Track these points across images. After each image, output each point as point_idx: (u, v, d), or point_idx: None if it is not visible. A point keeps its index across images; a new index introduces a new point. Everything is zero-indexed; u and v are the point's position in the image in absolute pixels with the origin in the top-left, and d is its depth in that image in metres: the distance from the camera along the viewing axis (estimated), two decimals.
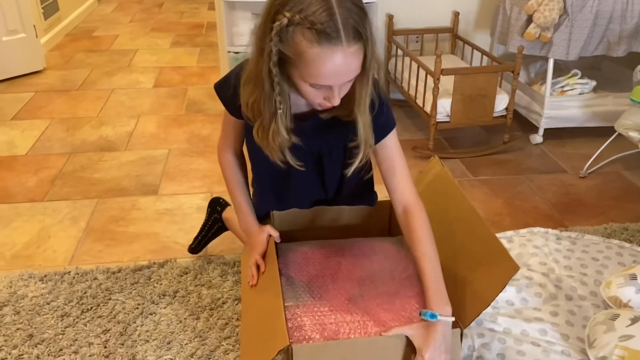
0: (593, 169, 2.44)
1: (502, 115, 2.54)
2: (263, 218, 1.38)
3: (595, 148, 2.41)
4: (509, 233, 1.93)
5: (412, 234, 1.16)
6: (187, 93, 3.24)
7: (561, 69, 2.75)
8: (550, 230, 1.94)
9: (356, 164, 1.14)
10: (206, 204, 2.07)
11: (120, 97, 3.17)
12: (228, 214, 1.73)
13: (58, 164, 2.45)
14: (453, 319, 1.06)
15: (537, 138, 2.68)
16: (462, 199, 1.28)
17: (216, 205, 1.78)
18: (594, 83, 2.67)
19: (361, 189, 1.37)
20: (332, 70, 0.95)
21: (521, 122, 2.80)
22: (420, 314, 1.08)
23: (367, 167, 1.26)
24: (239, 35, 2.47)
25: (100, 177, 2.35)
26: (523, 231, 1.94)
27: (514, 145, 2.64)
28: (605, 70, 3.04)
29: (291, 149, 1.14)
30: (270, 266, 1.23)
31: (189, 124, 2.85)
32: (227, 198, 1.60)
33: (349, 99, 1.07)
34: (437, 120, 2.45)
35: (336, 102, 1.02)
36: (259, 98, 1.05)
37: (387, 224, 1.48)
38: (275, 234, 1.31)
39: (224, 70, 2.80)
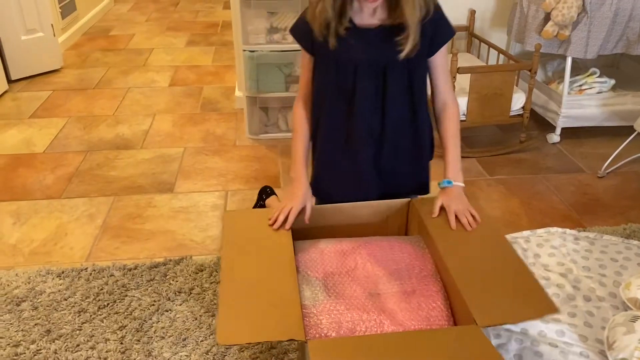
0: (611, 168, 2.40)
1: (518, 114, 2.51)
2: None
3: (613, 147, 2.38)
4: (526, 233, 1.90)
5: (444, 123, 1.34)
6: (202, 92, 3.25)
7: (579, 67, 2.72)
8: (568, 230, 1.91)
9: (407, 48, 1.19)
10: (221, 201, 2.09)
11: (136, 96, 3.19)
12: (270, 201, 1.80)
13: (75, 161, 2.47)
14: (464, 185, 1.30)
15: (555, 137, 2.65)
16: (497, 233, 1.27)
17: (262, 194, 1.93)
18: (612, 81, 2.63)
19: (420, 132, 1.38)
20: None
21: (538, 121, 2.77)
22: (438, 184, 1.31)
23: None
24: (254, 33, 2.48)
25: (117, 175, 2.37)
26: (540, 231, 1.91)
27: (531, 145, 2.61)
28: (624, 69, 3.00)
29: (359, 62, 1.25)
30: (287, 246, 1.23)
31: (204, 122, 2.86)
32: (252, 195, 1.60)
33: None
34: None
35: None
36: None
37: (404, 223, 1.47)
38: (308, 213, 1.32)
39: (240, 68, 2.81)
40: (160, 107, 3.04)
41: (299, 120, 1.39)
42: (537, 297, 1.09)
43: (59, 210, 2.12)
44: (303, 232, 1.35)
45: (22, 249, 1.90)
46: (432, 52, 1.28)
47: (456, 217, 1.27)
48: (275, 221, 1.28)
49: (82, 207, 2.14)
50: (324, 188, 1.44)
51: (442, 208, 1.30)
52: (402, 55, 1.21)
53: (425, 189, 1.45)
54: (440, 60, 1.31)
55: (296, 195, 1.31)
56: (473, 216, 1.27)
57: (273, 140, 2.66)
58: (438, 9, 1.26)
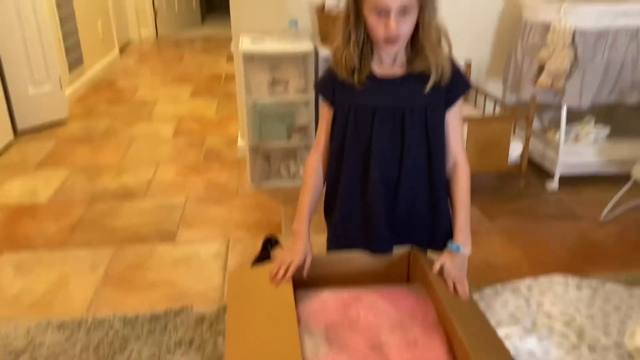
0: (611, 216, 2.42)
1: (517, 163, 2.55)
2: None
3: (611, 195, 2.40)
4: (528, 280, 1.90)
5: (454, 183, 1.35)
6: (205, 142, 3.31)
7: (575, 116, 2.77)
8: (570, 278, 1.91)
9: (430, 82, 1.24)
10: (222, 250, 2.10)
11: (141, 146, 3.24)
12: (276, 253, 1.80)
13: (78, 211, 2.50)
14: (469, 253, 1.30)
15: (553, 185, 2.68)
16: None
17: (267, 244, 1.93)
18: (608, 130, 2.68)
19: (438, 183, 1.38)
20: None
21: (536, 169, 2.80)
22: (447, 246, 1.32)
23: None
24: (257, 85, 2.54)
25: (120, 224, 2.39)
26: (542, 278, 1.91)
27: (530, 192, 2.64)
28: (618, 117, 3.05)
29: (377, 109, 1.29)
30: (287, 299, 1.23)
31: (207, 171, 2.90)
32: (253, 243, 1.60)
33: (419, 47, 1.24)
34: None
35: (393, 26, 1.18)
36: (341, 33, 1.27)
37: (405, 272, 1.47)
38: (307, 267, 1.32)
39: (243, 119, 2.87)
40: (163, 157, 3.09)
41: (311, 172, 1.40)
42: None
43: (60, 261, 2.12)
44: (305, 281, 1.35)
45: (22, 300, 1.89)
46: (449, 103, 1.30)
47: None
48: (275, 275, 1.28)
49: (84, 257, 2.15)
50: (341, 246, 1.43)
51: (441, 268, 1.28)
52: (429, 85, 1.25)
53: (440, 244, 1.39)
54: (453, 119, 1.33)
55: (296, 250, 1.32)
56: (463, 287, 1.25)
57: (275, 189, 2.69)
58: (454, 63, 1.31)
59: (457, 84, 1.29)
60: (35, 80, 3.42)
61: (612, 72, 2.49)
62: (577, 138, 2.66)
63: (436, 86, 1.25)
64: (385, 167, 1.32)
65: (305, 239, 1.34)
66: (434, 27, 1.24)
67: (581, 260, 2.12)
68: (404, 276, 1.48)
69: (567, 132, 2.64)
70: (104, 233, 2.32)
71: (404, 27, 1.21)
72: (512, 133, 2.52)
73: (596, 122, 2.70)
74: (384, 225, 1.36)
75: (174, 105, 3.99)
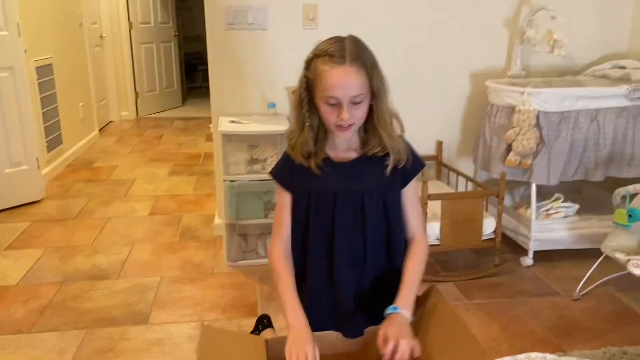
0: (585, 290, 2.44)
1: (491, 239, 2.59)
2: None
3: (585, 269, 2.43)
4: (507, 359, 1.88)
5: (408, 255, 1.37)
6: (182, 220, 3.30)
7: (544, 193, 2.86)
8: (548, 355, 1.89)
9: (390, 165, 1.30)
10: (196, 333, 2.05)
11: (116, 226, 3.22)
12: (266, 334, 1.79)
13: (49, 293, 2.43)
14: (411, 318, 1.27)
15: (528, 260, 2.71)
16: (464, 331, 1.27)
17: (259, 323, 1.90)
18: (577, 206, 2.76)
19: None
20: (337, 83, 1.21)
21: (511, 245, 2.84)
22: (384, 311, 1.28)
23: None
24: (235, 164, 2.59)
25: (91, 307, 2.32)
26: (520, 357, 1.89)
27: (506, 268, 2.66)
28: (586, 194, 3.15)
29: (338, 193, 1.32)
30: None
31: (182, 250, 2.88)
32: (228, 325, 1.57)
33: (372, 130, 1.30)
34: (428, 243, 2.49)
35: (345, 116, 1.23)
36: (295, 120, 1.32)
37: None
38: (318, 357, 1.26)
39: (220, 197, 2.89)
40: (139, 237, 3.06)
41: (282, 260, 1.37)
42: None
43: (27, 346, 2.04)
44: None
45: None
46: (405, 182, 1.36)
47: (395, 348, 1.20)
48: None
49: (52, 341, 2.07)
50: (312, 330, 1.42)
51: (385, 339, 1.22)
52: (389, 168, 1.30)
53: None
54: (410, 195, 1.39)
55: (305, 340, 1.25)
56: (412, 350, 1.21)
57: (252, 267, 2.67)
58: (407, 144, 1.37)
59: (412, 164, 1.35)
60: (12, 162, 3.42)
61: (577, 151, 2.60)
62: (548, 214, 2.72)
63: (394, 163, 1.31)
64: (350, 249, 1.35)
65: (308, 328, 1.29)
66: (386, 111, 1.30)
67: (559, 336, 2.12)
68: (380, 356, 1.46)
69: (537, 209, 2.71)
70: (74, 316, 2.25)
71: (357, 115, 1.26)
72: (484, 209, 2.58)
73: (565, 199, 2.78)
74: (352, 308, 1.37)
75: (151, 185, 4.00)
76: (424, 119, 3.06)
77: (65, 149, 4.51)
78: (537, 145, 2.55)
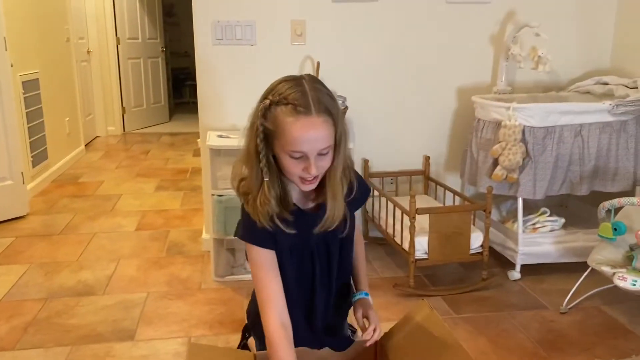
0: (572, 304, 2.45)
1: (478, 252, 2.60)
2: None
3: (572, 283, 2.45)
4: None
5: (356, 252, 1.42)
6: (168, 235, 3.27)
7: (530, 207, 2.88)
8: None
9: (322, 226, 1.22)
10: (183, 349, 2.03)
11: (102, 241, 3.19)
12: (251, 342, 1.68)
13: (33, 310, 2.39)
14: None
15: (515, 274, 2.72)
16: (455, 345, 1.27)
17: (245, 332, 1.67)
18: (563, 220, 2.79)
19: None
20: (304, 136, 1.09)
21: (498, 259, 2.86)
22: (353, 297, 1.39)
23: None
24: (223, 179, 2.58)
25: (76, 323, 2.29)
26: None
27: (493, 282, 2.67)
28: (572, 208, 3.19)
29: (315, 246, 1.28)
30: None
31: (169, 266, 2.85)
32: (216, 341, 1.55)
33: (325, 180, 1.19)
34: (416, 257, 2.50)
35: (313, 171, 1.12)
36: (249, 173, 1.16)
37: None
38: None
39: (208, 212, 2.88)
40: (125, 252, 3.03)
41: (282, 341, 1.17)
42: None
43: None
44: None
45: None
46: (355, 209, 1.33)
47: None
48: None
49: (36, 359, 2.03)
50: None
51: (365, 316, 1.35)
52: (316, 229, 1.21)
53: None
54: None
55: None
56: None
57: (239, 282, 2.65)
58: (355, 173, 1.31)
59: (360, 194, 1.31)
60: None
61: (562, 165, 2.63)
62: (534, 228, 2.75)
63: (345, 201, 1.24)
64: (322, 284, 1.33)
65: None
66: (339, 166, 1.18)
67: (547, 349, 2.12)
68: None
69: (524, 223, 2.73)
70: (58, 333, 2.22)
71: (323, 166, 1.15)
72: (472, 223, 2.59)
73: (551, 213, 2.80)
74: (332, 326, 1.41)
75: (137, 200, 3.97)
76: (411, 134, 3.09)
77: (51, 164, 4.47)
78: (523, 159, 2.57)
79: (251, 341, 1.74)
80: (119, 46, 6.34)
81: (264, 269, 1.20)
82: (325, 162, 1.15)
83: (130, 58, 6.53)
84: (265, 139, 1.12)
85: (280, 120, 1.09)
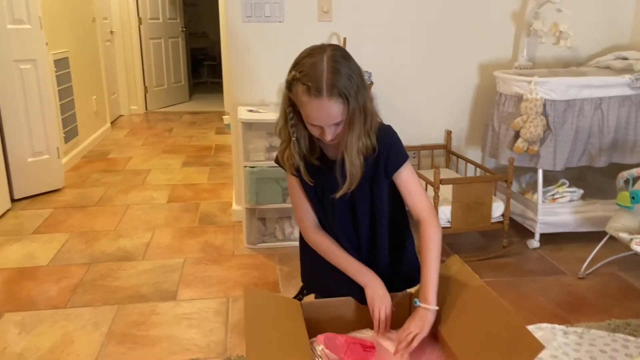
0: (590, 270, 2.56)
1: (499, 221, 2.71)
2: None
3: (590, 251, 2.55)
4: None
5: (422, 242, 1.43)
6: (199, 207, 3.42)
7: (550, 179, 2.98)
8: (557, 325, 2.02)
9: (345, 188, 1.38)
10: (223, 308, 2.17)
11: (136, 212, 3.34)
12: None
13: (78, 273, 2.55)
14: (435, 308, 1.36)
15: (534, 243, 2.83)
16: (485, 291, 1.38)
17: (302, 290, 1.75)
18: (581, 191, 2.88)
19: (396, 235, 1.53)
20: (316, 114, 1.28)
21: (518, 229, 2.96)
22: (415, 303, 1.39)
23: (397, 213, 1.51)
24: (254, 152, 2.70)
25: (120, 285, 2.44)
26: (530, 327, 2.01)
27: (513, 250, 2.78)
28: (590, 181, 3.27)
29: (329, 185, 1.41)
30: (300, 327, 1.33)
31: (203, 234, 2.99)
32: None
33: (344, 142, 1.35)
34: (438, 222, 2.61)
35: (327, 138, 1.32)
36: (283, 129, 1.39)
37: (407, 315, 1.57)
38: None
39: (239, 184, 3.01)
40: (159, 222, 3.18)
41: (321, 237, 1.49)
42: (523, 342, 1.18)
43: (64, 319, 2.16)
44: (312, 323, 1.44)
45: (28, 358, 1.92)
46: (389, 174, 1.42)
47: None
48: (379, 328, 1.40)
49: (86, 316, 2.19)
50: (319, 284, 1.58)
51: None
52: (339, 193, 1.38)
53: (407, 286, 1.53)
54: (403, 179, 1.43)
55: (384, 295, 1.42)
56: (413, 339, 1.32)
57: (270, 249, 2.79)
58: (388, 133, 1.41)
59: (393, 157, 1.40)
60: (35, 151, 3.53)
61: (581, 138, 2.72)
62: (553, 199, 2.84)
63: (372, 159, 1.37)
64: (346, 233, 1.49)
65: (382, 283, 1.44)
66: (355, 142, 1.32)
67: (566, 311, 2.24)
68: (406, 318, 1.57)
69: (543, 194, 2.83)
70: (104, 293, 2.37)
71: (339, 133, 1.33)
72: (493, 194, 2.69)
73: (570, 184, 2.89)
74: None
75: (166, 175, 4.12)
76: (434, 109, 3.18)
77: (81, 141, 4.63)
78: (544, 132, 2.66)
79: (308, 298, 1.84)
80: (140, 26, 6.46)
81: (293, 191, 1.49)
82: (340, 130, 1.33)
83: (152, 38, 6.64)
84: (291, 105, 1.33)
85: (299, 97, 1.28)
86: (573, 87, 2.65)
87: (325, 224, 1.50)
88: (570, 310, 2.25)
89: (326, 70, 1.25)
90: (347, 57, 1.30)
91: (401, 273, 1.54)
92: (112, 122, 5.84)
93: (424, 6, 3.02)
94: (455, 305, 1.38)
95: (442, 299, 1.42)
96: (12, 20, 3.29)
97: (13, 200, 3.44)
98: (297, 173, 1.42)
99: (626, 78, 2.67)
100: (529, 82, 2.65)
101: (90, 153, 4.74)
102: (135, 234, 3.00)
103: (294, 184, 1.48)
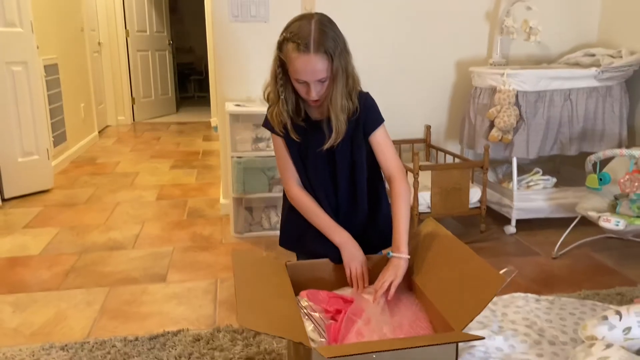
0: (563, 251, 2.68)
1: (477, 207, 2.83)
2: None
3: (563, 235, 2.67)
4: (493, 299, 2.11)
5: (393, 198, 1.54)
6: (187, 203, 3.50)
7: (524, 169, 3.11)
8: (529, 294, 2.13)
9: (331, 141, 1.49)
10: (212, 287, 2.25)
11: (125, 209, 3.41)
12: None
13: (70, 261, 2.62)
14: (407, 256, 1.47)
15: (511, 229, 2.95)
16: (451, 239, 1.49)
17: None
18: (554, 180, 3.02)
19: (373, 194, 1.64)
20: (303, 69, 1.39)
21: (495, 217, 3.09)
22: (388, 254, 1.49)
23: (374, 174, 1.62)
24: (241, 142, 2.81)
25: (111, 270, 2.51)
26: (505, 296, 2.13)
27: (491, 236, 2.90)
28: (563, 173, 3.41)
29: (314, 142, 1.52)
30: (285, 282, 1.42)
31: (191, 226, 3.08)
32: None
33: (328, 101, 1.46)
34: (419, 211, 2.73)
35: (312, 95, 1.43)
36: (272, 89, 1.50)
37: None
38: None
39: (227, 176, 3.10)
40: (148, 217, 3.25)
41: (303, 195, 1.58)
42: (488, 277, 1.28)
43: (57, 299, 2.23)
44: (295, 283, 1.53)
45: (22, 332, 1.98)
46: (367, 134, 1.54)
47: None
48: (357, 285, 1.50)
49: (79, 296, 2.26)
50: (298, 241, 1.69)
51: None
52: (326, 145, 1.49)
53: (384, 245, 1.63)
54: (378, 139, 1.55)
55: (359, 254, 1.53)
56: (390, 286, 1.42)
57: (257, 238, 2.88)
58: (367, 98, 1.55)
59: (370, 119, 1.54)
60: (25, 152, 3.60)
61: (553, 127, 2.86)
62: (528, 186, 2.97)
63: (353, 120, 1.50)
64: (326, 189, 1.59)
65: (356, 243, 1.53)
66: (339, 96, 1.44)
67: (540, 285, 2.35)
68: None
69: (518, 182, 2.96)
70: (96, 277, 2.44)
71: (324, 92, 1.44)
72: (470, 180, 2.82)
73: (543, 173, 3.03)
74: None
75: (154, 176, 4.19)
76: (413, 105, 3.32)
77: (70, 146, 4.69)
78: (517, 122, 2.80)
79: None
80: (128, 38, 6.57)
81: (281, 151, 1.59)
82: (324, 89, 1.44)
83: (139, 50, 6.76)
84: (282, 66, 1.44)
85: (288, 54, 1.40)
86: (543, 79, 2.80)
87: (307, 183, 1.60)
88: (543, 285, 2.36)
89: (314, 31, 1.38)
90: (332, 23, 1.45)
91: (377, 228, 1.64)
92: (99, 132, 5.91)
93: (404, 7, 3.18)
94: (427, 257, 1.49)
95: (415, 252, 1.52)
96: (5, 23, 3.39)
97: (3, 200, 3.49)
98: (285, 131, 1.52)
99: (592, 70, 2.84)
100: (502, 75, 2.80)
101: (79, 158, 4.80)
102: (125, 227, 3.08)
103: (279, 144, 1.59)
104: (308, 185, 1.61)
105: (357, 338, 1.31)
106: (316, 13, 1.45)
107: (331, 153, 1.54)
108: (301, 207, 1.60)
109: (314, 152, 1.55)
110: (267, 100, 1.55)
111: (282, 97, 1.48)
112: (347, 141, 1.54)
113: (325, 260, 1.61)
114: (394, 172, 1.56)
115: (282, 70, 1.45)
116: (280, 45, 1.42)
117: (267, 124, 1.59)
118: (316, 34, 1.38)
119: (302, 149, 1.57)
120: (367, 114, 1.53)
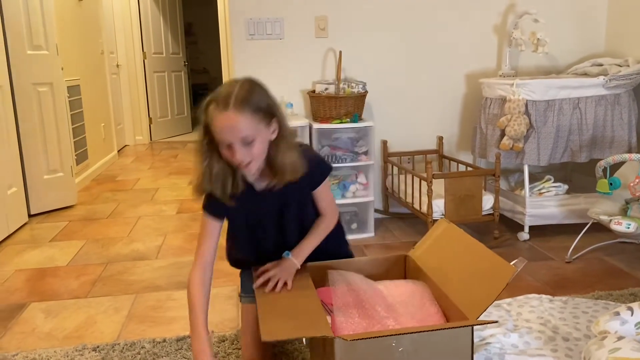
0: (576, 255, 2.73)
1: (490, 214, 2.89)
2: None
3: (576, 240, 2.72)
4: (508, 300, 2.17)
5: (316, 221, 1.66)
6: None
7: (536, 177, 3.18)
8: (543, 295, 2.18)
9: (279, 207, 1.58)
10: (235, 294, 2.32)
11: (147, 222, 3.52)
12: None
13: (97, 271, 2.72)
14: (298, 265, 1.59)
15: (524, 235, 3.00)
16: (468, 238, 1.57)
17: None
18: (566, 186, 3.07)
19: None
20: (224, 127, 1.33)
21: (509, 224, 3.14)
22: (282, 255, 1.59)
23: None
24: None
25: (136, 279, 2.61)
26: (519, 297, 2.18)
27: (505, 242, 2.96)
28: (575, 181, 3.47)
29: (255, 210, 1.57)
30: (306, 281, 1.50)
31: None
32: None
33: (274, 168, 1.46)
34: (434, 218, 2.80)
35: (238, 156, 1.36)
36: (198, 161, 1.46)
37: (402, 274, 1.75)
38: None
39: None
40: (170, 229, 3.35)
41: (198, 292, 1.59)
42: (499, 268, 1.35)
43: (86, 306, 2.32)
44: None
45: (56, 335, 2.07)
46: (313, 188, 1.60)
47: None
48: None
49: (107, 303, 2.35)
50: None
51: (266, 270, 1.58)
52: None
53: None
54: (320, 192, 1.62)
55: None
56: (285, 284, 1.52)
57: None
58: (311, 156, 1.56)
59: (316, 175, 1.57)
60: (50, 169, 3.74)
61: (563, 135, 2.93)
62: (540, 193, 3.03)
63: (300, 180, 1.49)
64: (275, 245, 1.65)
65: (212, 357, 1.46)
66: (280, 155, 1.43)
67: (553, 288, 2.40)
68: (402, 275, 1.75)
69: (530, 189, 3.02)
70: (122, 285, 2.54)
71: (253, 153, 1.36)
72: (483, 188, 2.89)
73: (555, 180, 3.09)
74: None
75: (174, 192, 4.31)
76: (425, 117, 3.41)
77: (91, 164, 4.84)
78: (527, 130, 2.88)
79: None
80: (145, 60, 6.76)
81: (206, 233, 1.59)
82: (255, 150, 1.37)
83: (155, 72, 6.94)
84: (206, 132, 1.39)
85: (210, 115, 1.35)
86: (552, 88, 2.88)
87: (255, 244, 1.66)
88: (557, 287, 2.41)
89: (237, 89, 1.34)
90: (261, 84, 1.42)
91: (327, 252, 1.70)
92: (118, 151, 6.06)
93: (415, 23, 3.29)
94: (440, 251, 1.59)
95: (428, 247, 1.61)
96: (32, 47, 3.55)
97: (30, 215, 3.62)
98: (224, 195, 1.47)
99: (600, 79, 2.91)
100: (511, 85, 2.89)
101: (100, 176, 4.94)
102: (148, 239, 3.18)
103: (207, 224, 1.58)
104: (256, 245, 1.67)
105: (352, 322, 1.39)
106: (246, 78, 1.41)
107: (280, 217, 1.61)
108: (189, 298, 1.59)
109: (261, 221, 1.61)
110: (193, 189, 1.53)
111: (205, 163, 1.42)
112: (295, 204, 1.60)
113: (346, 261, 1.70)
114: (328, 211, 1.66)
115: (207, 136, 1.39)
116: (205, 109, 1.37)
117: (209, 205, 1.55)
118: (239, 91, 1.34)
119: (249, 220, 1.61)
120: (313, 171, 1.54)
